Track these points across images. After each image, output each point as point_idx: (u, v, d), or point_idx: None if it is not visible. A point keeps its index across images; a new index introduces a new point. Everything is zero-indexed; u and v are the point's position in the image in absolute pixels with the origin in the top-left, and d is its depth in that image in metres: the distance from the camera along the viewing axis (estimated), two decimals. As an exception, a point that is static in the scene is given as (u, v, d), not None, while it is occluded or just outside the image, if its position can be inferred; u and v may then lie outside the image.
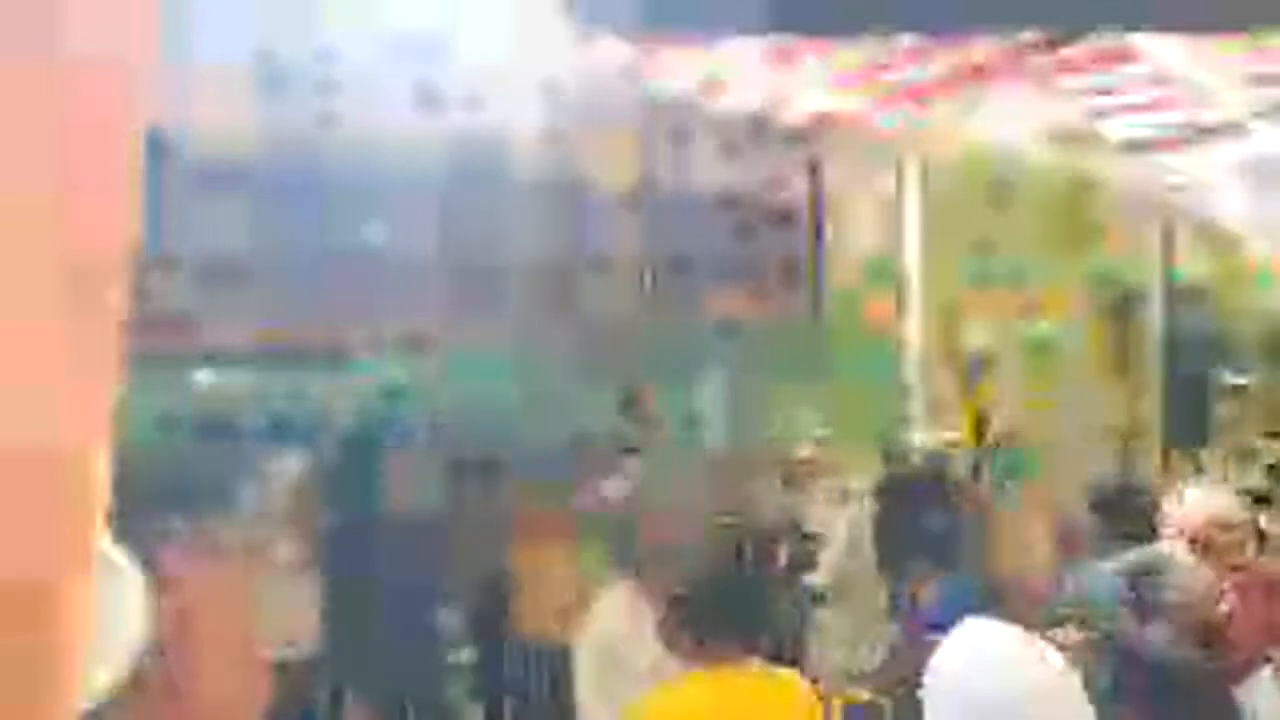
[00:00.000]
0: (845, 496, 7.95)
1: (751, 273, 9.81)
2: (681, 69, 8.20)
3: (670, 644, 3.35)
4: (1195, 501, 4.71)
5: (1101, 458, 10.80)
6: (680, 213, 9.26)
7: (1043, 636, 3.50)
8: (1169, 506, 4.77)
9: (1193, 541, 4.54)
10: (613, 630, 4.22)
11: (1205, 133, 9.38)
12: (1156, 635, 4.05)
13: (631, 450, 7.42)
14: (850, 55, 7.87)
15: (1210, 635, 3.86)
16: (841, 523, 7.60)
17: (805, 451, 8.04)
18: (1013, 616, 3.27)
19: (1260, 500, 5.23)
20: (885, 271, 10.78)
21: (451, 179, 7.74)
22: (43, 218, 0.52)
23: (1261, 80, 8.07)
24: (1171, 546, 4.67)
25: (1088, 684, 3.34)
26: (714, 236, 9.48)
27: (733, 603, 3.38)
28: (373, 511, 6.44)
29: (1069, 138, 9.75)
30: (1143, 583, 4.49)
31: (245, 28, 6.69)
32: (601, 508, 6.47)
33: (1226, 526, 4.55)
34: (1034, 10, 6.56)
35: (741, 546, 6.21)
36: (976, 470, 10.23)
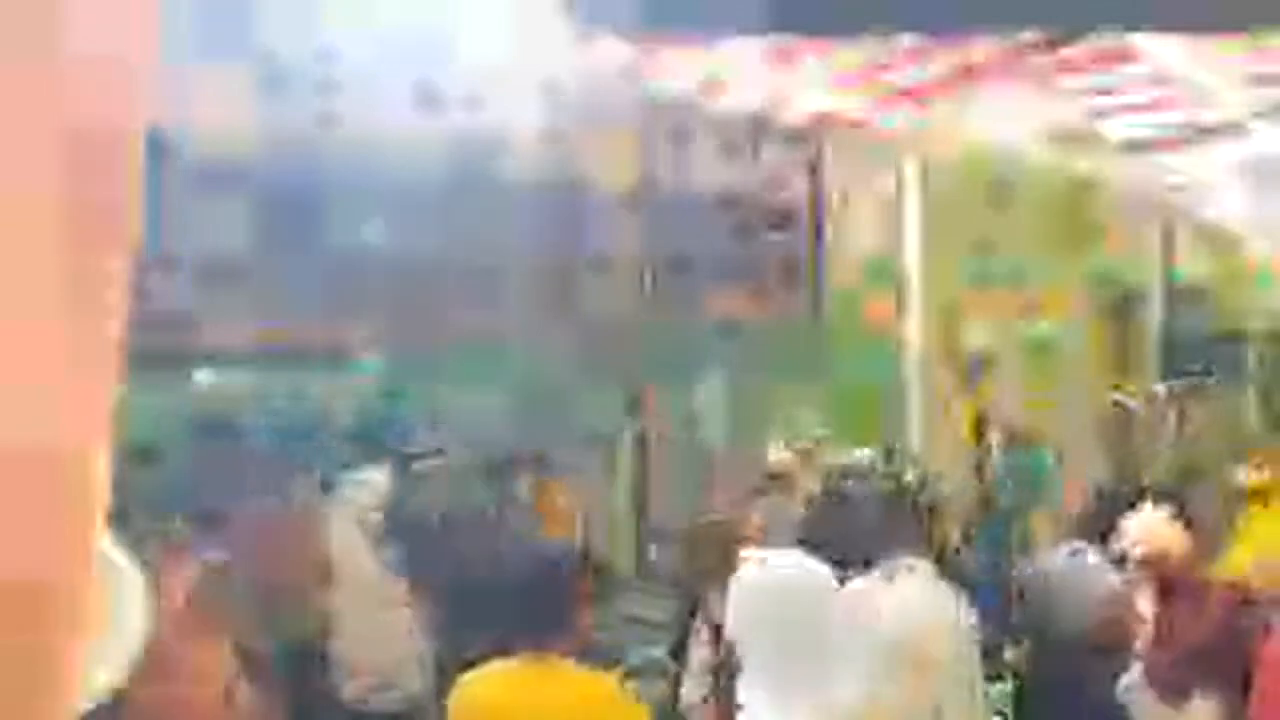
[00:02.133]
0: None
1: (751, 273, 9.82)
2: (681, 69, 8.20)
3: None
4: (1139, 529, 4.73)
5: (1100, 458, 10.80)
6: (680, 213, 9.26)
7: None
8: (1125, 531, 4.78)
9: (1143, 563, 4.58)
10: None
11: (1205, 133, 9.38)
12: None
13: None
14: (850, 55, 7.87)
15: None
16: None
17: (782, 455, 8.01)
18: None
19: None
20: (885, 271, 10.79)
21: (451, 179, 7.74)
22: (43, 218, 0.52)
23: (1261, 80, 8.07)
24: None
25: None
26: (714, 236, 9.49)
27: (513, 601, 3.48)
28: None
29: (1069, 138, 9.75)
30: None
31: (245, 28, 6.69)
32: None
33: (1163, 554, 4.58)
34: (1034, 10, 6.57)
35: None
36: (979, 470, 10.23)
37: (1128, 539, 4.71)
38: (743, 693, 3.11)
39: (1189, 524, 4.85)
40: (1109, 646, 3.97)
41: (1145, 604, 4.55)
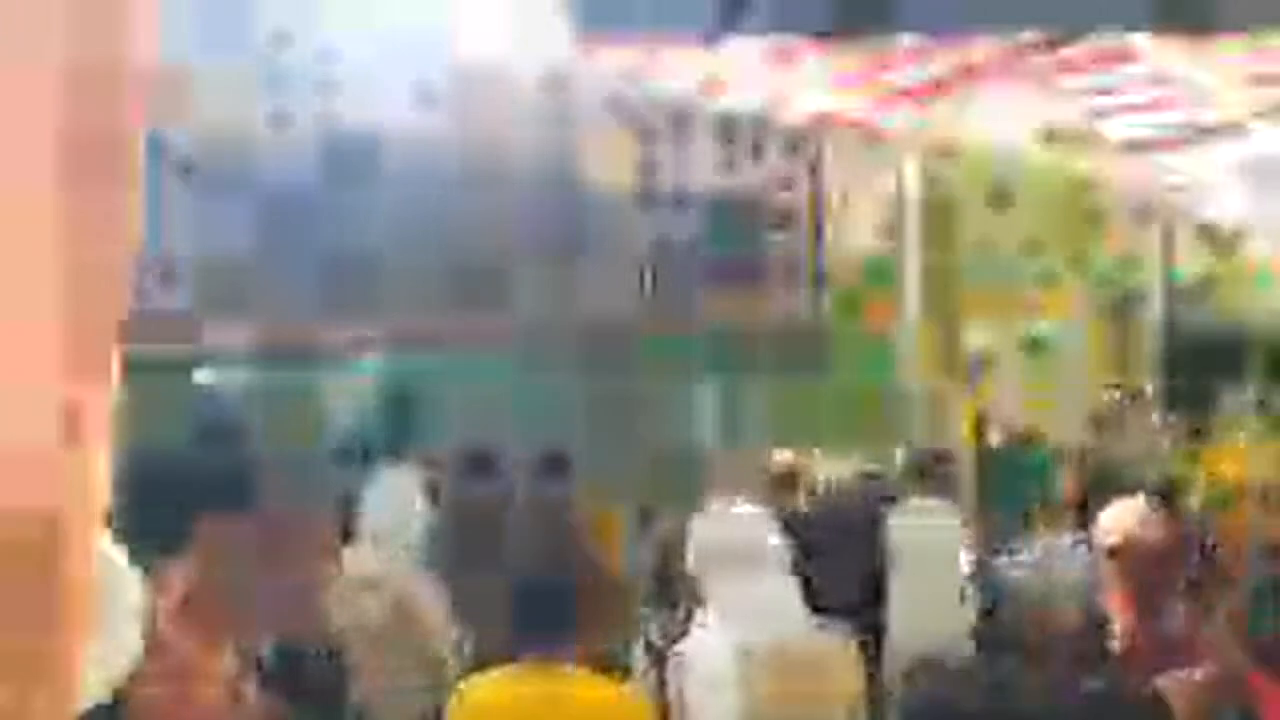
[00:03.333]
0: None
1: (751, 273, 9.82)
2: (681, 69, 8.20)
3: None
4: (1111, 519, 4.70)
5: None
6: (680, 212, 9.27)
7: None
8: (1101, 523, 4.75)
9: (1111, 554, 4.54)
10: None
11: (1205, 133, 9.39)
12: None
13: None
14: (850, 55, 7.87)
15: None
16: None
17: (785, 457, 8.03)
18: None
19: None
20: (885, 271, 10.79)
21: (451, 179, 7.74)
22: (44, 219, 0.52)
23: (1261, 80, 8.07)
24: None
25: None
26: (714, 236, 9.50)
27: (550, 603, 3.50)
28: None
29: (1069, 138, 9.76)
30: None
31: (246, 27, 6.70)
32: None
33: (1139, 542, 4.55)
34: (1034, 10, 6.57)
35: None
36: (981, 469, 10.24)
37: (1100, 529, 4.68)
38: (699, 616, 3.67)
39: (1169, 517, 4.81)
40: (1086, 647, 3.95)
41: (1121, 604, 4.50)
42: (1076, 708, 3.53)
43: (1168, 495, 5.29)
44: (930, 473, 6.64)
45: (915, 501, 6.47)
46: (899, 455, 8.65)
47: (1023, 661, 3.75)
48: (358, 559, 5.44)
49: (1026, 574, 4.56)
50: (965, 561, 6.21)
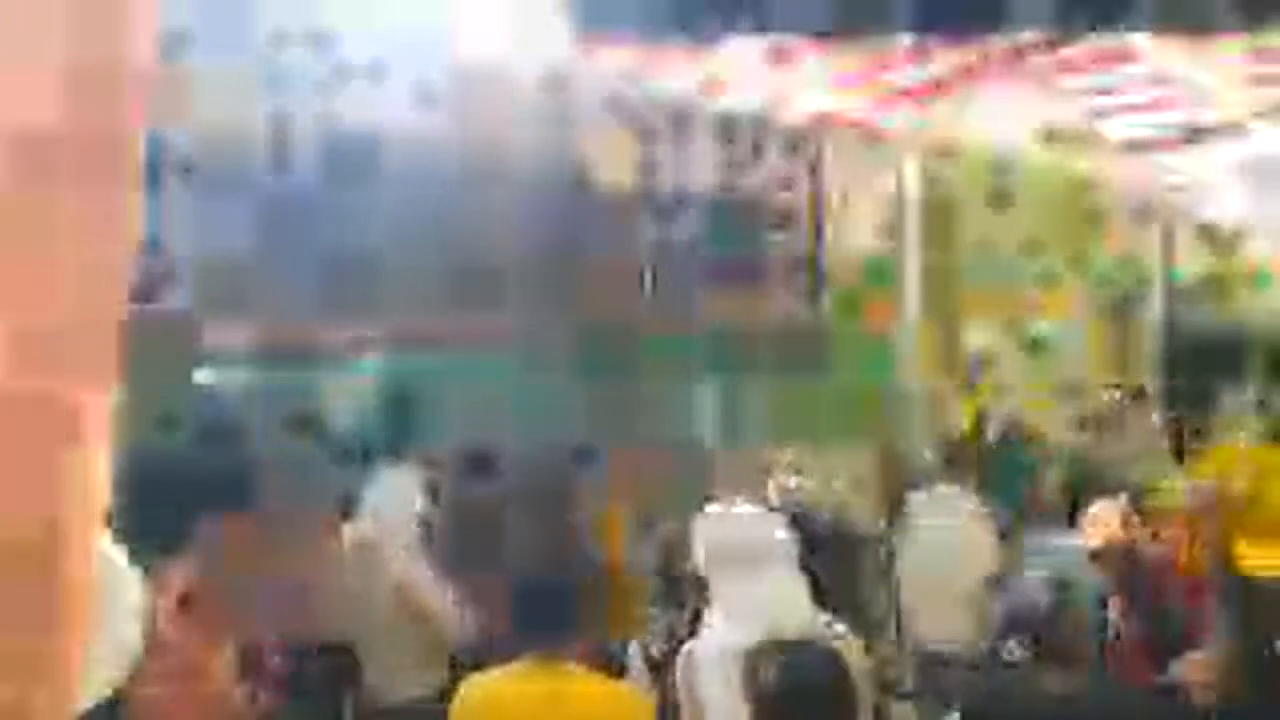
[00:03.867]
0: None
1: (751, 273, 9.82)
2: (681, 69, 8.20)
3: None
4: (1092, 521, 4.72)
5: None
6: (680, 212, 9.27)
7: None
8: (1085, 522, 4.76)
9: (1094, 557, 4.55)
10: None
11: (1205, 133, 9.39)
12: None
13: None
14: (850, 55, 7.87)
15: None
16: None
17: (788, 454, 8.06)
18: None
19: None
20: (885, 271, 10.80)
21: (451, 179, 7.74)
22: (45, 218, 0.52)
23: (1261, 80, 8.07)
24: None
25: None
26: (714, 236, 9.50)
27: (549, 601, 3.50)
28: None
29: (1069, 138, 9.77)
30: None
31: (245, 26, 6.70)
32: None
33: (1121, 544, 4.56)
34: (1034, 10, 6.57)
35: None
36: (982, 468, 10.24)
37: (1083, 530, 4.71)
38: (707, 615, 3.73)
39: (1148, 517, 4.80)
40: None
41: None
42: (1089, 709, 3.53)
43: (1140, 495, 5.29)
44: (959, 460, 7.04)
45: (942, 488, 6.72)
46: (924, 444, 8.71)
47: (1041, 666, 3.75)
48: (357, 556, 5.45)
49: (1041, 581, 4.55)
50: (989, 554, 6.25)
